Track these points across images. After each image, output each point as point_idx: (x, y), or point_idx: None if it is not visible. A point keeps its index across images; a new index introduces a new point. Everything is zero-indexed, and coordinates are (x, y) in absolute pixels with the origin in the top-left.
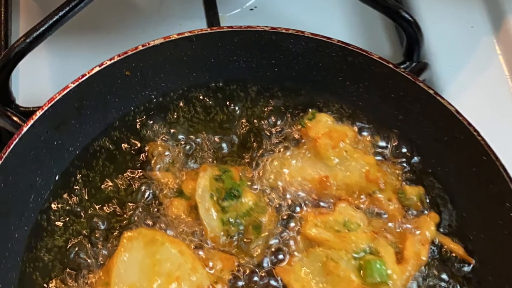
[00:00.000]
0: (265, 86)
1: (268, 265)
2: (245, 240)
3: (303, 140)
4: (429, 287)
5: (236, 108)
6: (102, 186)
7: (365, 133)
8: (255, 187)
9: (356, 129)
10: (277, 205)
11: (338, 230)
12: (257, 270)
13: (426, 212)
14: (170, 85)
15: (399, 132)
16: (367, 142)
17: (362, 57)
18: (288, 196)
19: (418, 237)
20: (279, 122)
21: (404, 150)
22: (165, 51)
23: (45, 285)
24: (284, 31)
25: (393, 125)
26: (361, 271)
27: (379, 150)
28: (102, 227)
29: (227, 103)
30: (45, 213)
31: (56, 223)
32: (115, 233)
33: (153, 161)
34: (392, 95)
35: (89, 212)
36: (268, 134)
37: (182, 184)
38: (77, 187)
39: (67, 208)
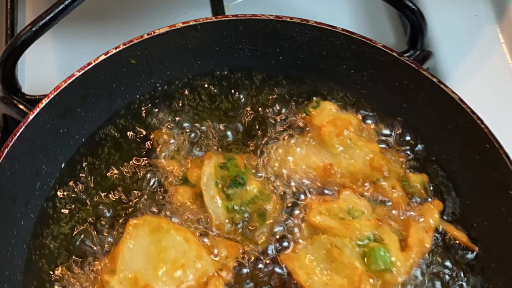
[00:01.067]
0: (269, 75)
1: (272, 252)
2: (250, 227)
3: (308, 128)
4: (433, 274)
5: (241, 96)
6: (108, 174)
7: (369, 121)
8: (259, 174)
9: (360, 117)
10: (282, 193)
11: (342, 218)
12: (261, 258)
13: (429, 199)
14: (175, 74)
15: (403, 120)
16: (371, 130)
17: (366, 46)
18: (292, 183)
19: (422, 224)
20: (283, 110)
21: (408, 138)
22: (170, 39)
23: (51, 272)
24: (288, 19)
25: (397, 113)
26: (365, 259)
27: (383, 138)
28: (108, 214)
29: (232, 91)
30: (51, 201)
31: (62, 210)
32: (120, 221)
33: (158, 149)
34: (396, 83)
35: (95, 199)
36: (273, 122)
37: (187, 171)
38: (83, 174)
39: (73, 195)
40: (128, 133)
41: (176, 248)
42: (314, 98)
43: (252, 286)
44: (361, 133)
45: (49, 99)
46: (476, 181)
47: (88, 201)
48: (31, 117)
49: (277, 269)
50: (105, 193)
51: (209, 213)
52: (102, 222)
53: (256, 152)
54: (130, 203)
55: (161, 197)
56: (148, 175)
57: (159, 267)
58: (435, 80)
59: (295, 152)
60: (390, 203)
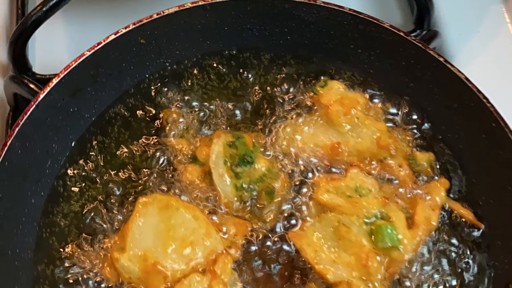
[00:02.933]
0: (278, 54)
1: (280, 230)
2: (258, 205)
3: (315, 107)
4: (439, 252)
5: (249, 75)
6: (118, 152)
7: (376, 100)
8: (268, 153)
9: (367, 96)
10: (290, 171)
11: (350, 196)
12: (270, 235)
13: (436, 178)
14: (185, 53)
15: (410, 99)
16: (378, 109)
17: (373, 25)
18: (300, 162)
19: (428, 202)
20: (291, 89)
21: (415, 117)
22: (180, 19)
23: (61, 249)
24: None
25: (404, 92)
26: (372, 236)
27: (390, 117)
28: (118, 192)
29: (241, 70)
30: (61, 179)
31: (72, 188)
32: (130, 199)
33: (167, 128)
34: (403, 62)
35: (105, 178)
36: (281, 101)
37: (196, 150)
38: (93, 153)
39: (83, 174)
40: (137, 112)
41: (185, 226)
42: (322, 78)
43: (260, 263)
44: (368, 112)
45: (59, 78)
46: (482, 159)
47: (98, 179)
48: (41, 96)
49: (285, 247)
50: (115, 171)
51: (218, 191)
52: (112, 200)
53: (264, 130)
54: (140, 181)
55: (170, 175)
56: (158, 154)
57: (169, 244)
58: (441, 59)
59: (303, 130)
60: (397, 181)
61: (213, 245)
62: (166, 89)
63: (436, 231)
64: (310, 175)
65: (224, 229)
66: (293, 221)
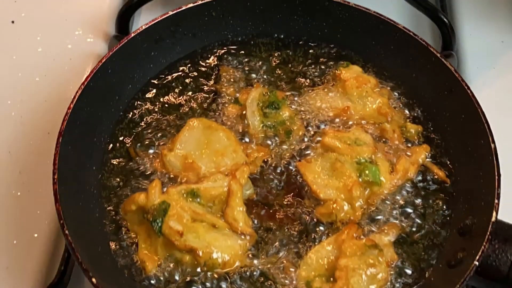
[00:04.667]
0: (314, 42)
1: (292, 160)
2: (278, 142)
3: (336, 82)
4: (410, 198)
5: (290, 54)
6: (183, 91)
7: (384, 85)
8: (293, 107)
9: (378, 80)
10: (306, 122)
11: (349, 144)
12: (282, 162)
13: (420, 144)
14: (244, 30)
15: (411, 86)
16: (385, 91)
17: (391, 26)
18: (316, 117)
19: (409, 159)
20: (321, 67)
21: (413, 100)
22: (244, 2)
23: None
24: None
25: (408, 81)
26: (360, 172)
27: (393, 98)
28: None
29: (284, 50)
30: (137, 100)
31: (143, 108)
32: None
33: (222, 79)
34: (410, 58)
35: (169, 106)
36: (311, 75)
37: (239, 95)
38: (164, 89)
39: (154, 101)
40: (201, 64)
41: (220, 142)
42: (345, 62)
43: (271, 180)
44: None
45: (147, 26)
46: (458, 133)
47: (165, 106)
48: (132, 35)
49: (293, 172)
50: (179, 103)
51: (249, 124)
52: (170, 123)
53: (294, 93)
54: (194, 110)
55: (218, 109)
56: (212, 94)
57: (205, 152)
58: (438, 55)
59: (324, 97)
60: (388, 142)
61: (238, 159)
62: (226, 55)
63: (411, 186)
64: (322, 126)
65: (249, 151)
66: (302, 156)
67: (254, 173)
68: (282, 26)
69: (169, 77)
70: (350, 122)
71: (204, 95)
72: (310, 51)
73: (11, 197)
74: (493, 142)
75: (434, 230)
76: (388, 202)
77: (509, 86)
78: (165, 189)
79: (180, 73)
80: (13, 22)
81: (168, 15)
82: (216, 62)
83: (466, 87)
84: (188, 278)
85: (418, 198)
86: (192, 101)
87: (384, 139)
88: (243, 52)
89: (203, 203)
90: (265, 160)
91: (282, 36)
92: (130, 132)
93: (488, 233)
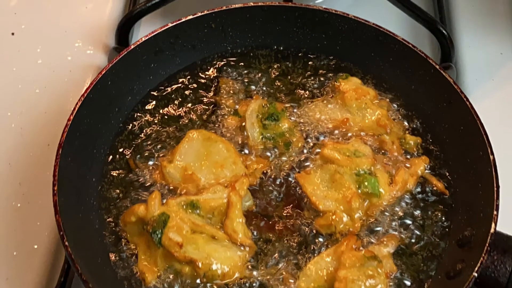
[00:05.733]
0: (314, 53)
1: (291, 172)
2: (277, 153)
3: (335, 94)
4: (409, 210)
5: (289, 65)
6: (183, 102)
7: (383, 97)
8: (292, 118)
9: (377, 91)
10: (306, 134)
11: (348, 155)
12: (282, 175)
13: (419, 155)
14: (243, 42)
15: (410, 98)
16: (384, 102)
17: (389, 38)
18: (316, 129)
19: (409, 170)
20: (320, 79)
21: (413, 112)
22: (243, 13)
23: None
24: (333, 11)
25: (407, 93)
26: (359, 184)
27: (393, 109)
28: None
29: (283, 62)
30: (137, 112)
31: (143, 119)
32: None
33: (222, 90)
34: (409, 69)
35: (169, 117)
36: (310, 87)
37: (239, 107)
38: (163, 100)
39: (152, 112)
40: (201, 76)
41: (219, 154)
42: (345, 73)
43: (271, 192)
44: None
45: (147, 38)
46: (457, 145)
47: (164, 118)
48: (132, 47)
49: (292, 184)
50: (178, 114)
51: (248, 136)
52: (170, 135)
53: (293, 105)
54: (194, 121)
55: (217, 120)
56: (211, 106)
57: (205, 164)
58: (437, 67)
59: (323, 108)
60: (387, 154)
61: (237, 170)
62: (225, 66)
63: (411, 198)
64: (321, 138)
65: (248, 163)
66: (301, 167)
67: (253, 185)
68: (281, 38)
69: (169, 89)
70: (349, 134)
71: (204, 106)
72: (310, 62)
73: (11, 208)
74: (492, 153)
75: (433, 242)
76: (387, 213)
77: (508, 98)
78: (164, 201)
79: (179, 85)
80: (13, 34)
81: (167, 27)
82: (215, 74)
83: (465, 99)
84: None
85: (417, 209)
86: (192, 112)
87: (383, 151)
88: (242, 64)
89: (202, 214)
90: (265, 171)
91: (281, 48)
92: (130, 143)
93: (487, 244)
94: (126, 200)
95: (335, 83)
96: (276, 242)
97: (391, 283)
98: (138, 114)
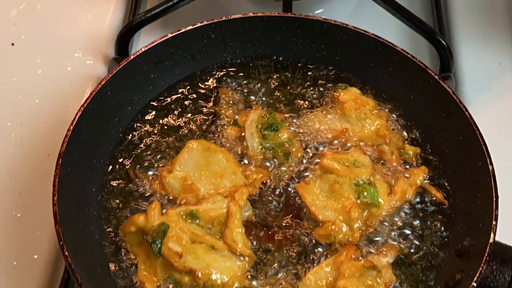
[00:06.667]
0: (313, 64)
1: (291, 182)
2: (277, 163)
3: (334, 104)
4: (408, 220)
5: (288, 76)
6: (182, 113)
7: (382, 107)
8: (291, 129)
9: (377, 102)
10: (306, 144)
11: (348, 166)
12: (281, 184)
13: (418, 166)
14: (242, 52)
15: (409, 108)
16: (383, 113)
17: (389, 48)
18: (315, 139)
19: (408, 180)
20: (320, 90)
21: (411, 122)
22: (243, 24)
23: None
24: (332, 22)
25: (406, 103)
26: (358, 194)
27: (392, 120)
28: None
29: (283, 72)
30: (137, 122)
31: (142, 129)
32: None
33: (221, 101)
34: (409, 80)
35: (168, 127)
36: (309, 97)
37: (238, 117)
38: (163, 111)
39: (152, 122)
40: (201, 86)
41: (219, 164)
42: (344, 84)
43: (270, 202)
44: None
45: (147, 48)
46: (456, 155)
47: (164, 128)
48: (132, 57)
49: (291, 194)
50: (178, 125)
51: (248, 146)
52: (169, 145)
53: (293, 115)
54: (194, 132)
55: (216, 130)
56: (211, 116)
57: (204, 174)
58: (436, 77)
59: (322, 118)
60: (386, 164)
61: (237, 180)
62: (225, 77)
63: (410, 208)
64: (321, 148)
65: (248, 173)
66: (301, 178)
67: (253, 195)
68: (280, 48)
69: (169, 99)
70: (349, 144)
71: (203, 117)
72: (309, 73)
73: (11, 218)
74: (491, 164)
75: (432, 252)
76: (386, 223)
77: (507, 108)
78: (164, 211)
79: (179, 95)
80: (13, 44)
81: (167, 37)
82: (215, 84)
83: (464, 109)
84: None
85: (416, 219)
86: (191, 123)
87: (382, 161)
88: (242, 74)
89: (202, 224)
90: (264, 181)
91: (280, 58)
92: (130, 154)
93: (486, 254)
94: (126, 210)
95: (335, 93)
96: (275, 252)
97: None
98: (138, 124)
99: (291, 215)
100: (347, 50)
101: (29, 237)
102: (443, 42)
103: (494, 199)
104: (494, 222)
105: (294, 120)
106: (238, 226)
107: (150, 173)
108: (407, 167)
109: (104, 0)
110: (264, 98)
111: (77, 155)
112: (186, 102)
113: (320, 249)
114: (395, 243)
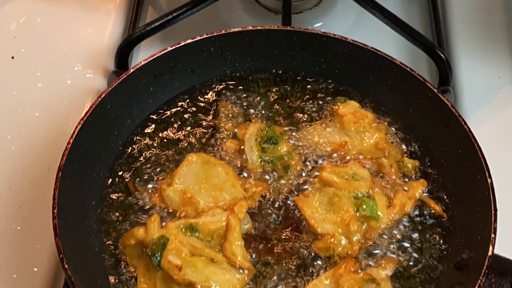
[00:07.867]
0: (312, 77)
1: (290, 195)
2: (276, 177)
3: (333, 118)
4: (406, 233)
5: (287, 89)
6: (182, 126)
7: (381, 120)
8: (291, 142)
9: (376, 115)
10: (305, 157)
11: (347, 179)
12: (280, 197)
13: (417, 179)
14: (242, 65)
15: (408, 121)
16: (382, 126)
17: (388, 61)
18: (314, 152)
19: (407, 193)
20: (319, 103)
21: (410, 135)
22: (242, 37)
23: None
24: (332, 35)
25: (405, 116)
26: (357, 207)
27: (391, 133)
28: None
29: (282, 85)
30: (136, 136)
31: (142, 143)
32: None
33: (220, 114)
34: (408, 93)
35: (167, 141)
36: (308, 111)
37: (238, 131)
38: (162, 124)
39: (152, 136)
40: (200, 100)
41: (218, 177)
42: (343, 97)
43: (269, 213)
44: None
45: (146, 61)
46: (454, 168)
47: (160, 143)
48: (131, 71)
49: (290, 207)
50: (177, 138)
51: (247, 159)
52: (169, 157)
53: (292, 129)
54: (193, 145)
55: (216, 144)
56: (210, 129)
57: (204, 187)
58: (435, 90)
59: (321, 132)
60: (385, 177)
61: (236, 194)
62: (224, 90)
63: (409, 221)
64: (320, 161)
65: (247, 186)
66: (300, 191)
67: (252, 208)
68: (280, 61)
69: (168, 113)
70: (348, 157)
71: (203, 130)
72: (308, 86)
73: (11, 231)
74: (490, 177)
75: (431, 264)
76: (385, 236)
77: (506, 121)
78: (164, 224)
79: (179, 108)
80: (13, 57)
81: (167, 50)
82: (214, 98)
83: (463, 122)
84: None
85: (415, 232)
86: (191, 136)
87: (381, 174)
88: (241, 87)
89: (201, 237)
90: (263, 194)
91: (280, 72)
92: (129, 167)
93: (485, 267)
94: (126, 223)
95: (334, 106)
96: (274, 265)
97: None
98: (138, 137)
99: (290, 228)
100: (346, 64)
101: (29, 249)
102: (442, 55)
103: (493, 212)
104: (493, 235)
105: (293, 133)
106: (237, 239)
107: (150, 186)
108: (406, 180)
109: (104, 13)
110: (263, 111)
111: (77, 168)
112: (186, 115)
113: (319, 262)
114: (394, 256)
